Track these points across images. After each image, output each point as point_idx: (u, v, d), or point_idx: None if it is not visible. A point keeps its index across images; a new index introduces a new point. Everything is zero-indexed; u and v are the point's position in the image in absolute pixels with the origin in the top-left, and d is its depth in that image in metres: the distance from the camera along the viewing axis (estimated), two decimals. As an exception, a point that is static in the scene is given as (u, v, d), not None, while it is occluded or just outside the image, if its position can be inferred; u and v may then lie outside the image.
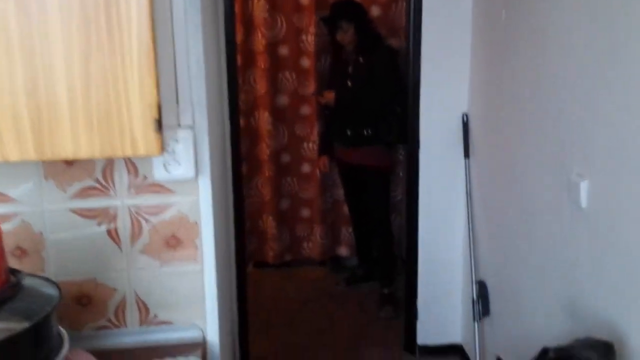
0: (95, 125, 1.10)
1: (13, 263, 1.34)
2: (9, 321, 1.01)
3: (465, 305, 3.12)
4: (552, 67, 2.09)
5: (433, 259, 3.15)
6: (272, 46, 4.10)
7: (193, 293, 1.54)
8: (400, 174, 4.20)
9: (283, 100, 4.20)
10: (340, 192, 4.28)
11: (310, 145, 4.25)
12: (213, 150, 1.73)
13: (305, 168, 4.29)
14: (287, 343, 3.37)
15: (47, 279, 1.16)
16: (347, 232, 4.35)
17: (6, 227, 1.44)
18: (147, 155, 1.17)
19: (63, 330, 1.12)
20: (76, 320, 1.51)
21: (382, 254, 3.90)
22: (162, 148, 1.17)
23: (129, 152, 1.15)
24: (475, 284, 2.83)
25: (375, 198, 3.81)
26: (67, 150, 1.11)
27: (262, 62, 4.09)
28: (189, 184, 1.50)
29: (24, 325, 1.00)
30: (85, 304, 1.51)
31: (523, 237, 2.38)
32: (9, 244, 1.43)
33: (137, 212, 1.49)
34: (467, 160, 2.99)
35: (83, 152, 1.11)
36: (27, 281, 1.12)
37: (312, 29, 4.11)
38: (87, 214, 1.47)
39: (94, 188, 1.47)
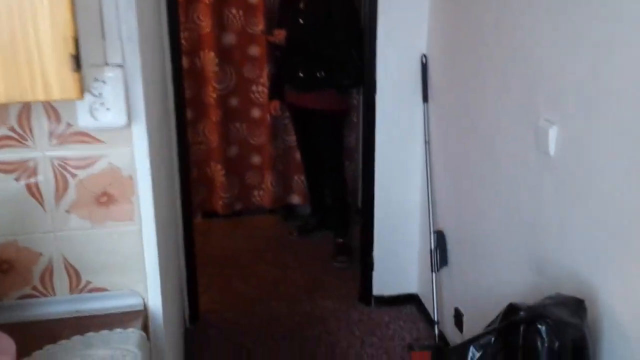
0: (-5, 62, 0.90)
1: None
2: None
3: (422, 256, 3.04)
4: (518, 2, 1.94)
5: (389, 207, 3.04)
6: (216, -21, 3.82)
7: (130, 256, 1.36)
8: (354, 119, 4.05)
9: (230, 38, 3.94)
10: (291, 138, 4.10)
11: (260, 88, 4.02)
12: (149, 93, 1.53)
13: (255, 112, 4.08)
14: (238, 295, 3.25)
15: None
16: (299, 179, 4.19)
17: None
18: (64, 99, 0.97)
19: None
20: (-5, 290, 1.33)
21: (336, 202, 3.77)
22: (83, 90, 0.97)
23: (40, 96, 0.95)
24: (434, 233, 2.73)
25: (328, 144, 3.65)
26: (-39, 92, 0.90)
27: (206, -3, 3.80)
28: (120, 133, 1.30)
29: None
30: (5, 270, 1.32)
31: (485, 185, 2.28)
32: None
33: (60, 165, 1.29)
34: (425, 105, 2.85)
35: (-19, 95, 0.91)
36: None
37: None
38: (2, 168, 1.27)
39: (9, 137, 1.26)
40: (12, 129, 1.25)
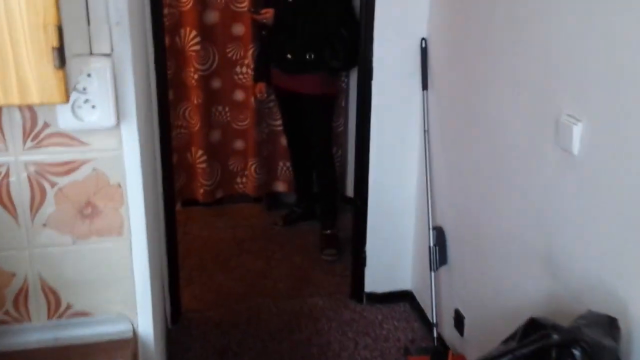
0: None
1: None
2: None
3: (417, 251, 2.90)
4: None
5: (383, 200, 2.88)
6: (197, -49, 3.57)
7: (118, 275, 1.18)
8: (343, 103, 3.87)
9: (212, 16, 3.70)
10: (277, 122, 3.90)
11: (244, 69, 3.80)
12: (139, 84, 1.33)
13: (239, 95, 3.85)
14: (221, 291, 3.07)
15: None
16: (284, 166, 4.00)
17: None
18: (45, 103, 0.78)
19: None
20: (-41, 317, 1.14)
21: (324, 190, 3.61)
22: (68, 92, 0.79)
23: (14, 99, 0.76)
24: (433, 230, 2.58)
25: (317, 129, 3.47)
26: None
27: (187, -29, 3.56)
28: (108, 134, 1.11)
29: None
30: (-29, 292, 1.13)
31: (492, 181, 2.13)
32: None
33: (37, 172, 1.09)
34: (425, 92, 2.68)
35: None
36: None
37: None
38: (-35, 175, 1.07)
39: (-25, 139, 1.06)
40: (-21, 129, 1.06)
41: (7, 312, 1.15)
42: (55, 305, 1.17)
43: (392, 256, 2.95)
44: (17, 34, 0.73)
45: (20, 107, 1.05)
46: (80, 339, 1.17)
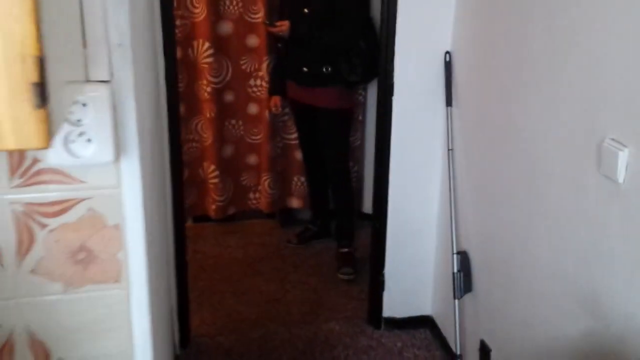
0: None
1: None
2: None
3: (439, 275, 2.75)
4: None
5: (404, 220, 2.74)
6: (212, -38, 3.46)
7: (115, 327, 1.05)
8: (360, 117, 3.74)
9: (226, 27, 3.59)
10: (291, 136, 3.77)
11: (259, 82, 3.68)
12: (144, 105, 1.21)
13: (253, 108, 3.73)
14: (232, 315, 2.93)
15: None
16: (299, 181, 3.86)
17: None
18: (22, 149, 0.65)
19: None
20: None
21: (340, 207, 3.47)
22: (50, 134, 0.66)
23: (-17, 146, 0.63)
24: (456, 254, 2.43)
25: (333, 143, 3.34)
26: None
27: (201, -19, 3.44)
28: (105, 170, 0.98)
29: None
30: (-49, 345, 1.01)
31: (525, 208, 1.98)
32: None
33: (25, 213, 0.97)
34: (449, 109, 2.54)
35: None
36: None
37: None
38: (-57, 216, 0.95)
39: (-45, 176, 0.94)
40: (-40, 165, 0.93)
41: (-9, 369, 1.03)
42: (44, 361, 1.04)
43: (412, 280, 2.81)
44: (-13, 67, 0.60)
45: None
46: (73, 399, 1.04)
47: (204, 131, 3.65)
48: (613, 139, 1.51)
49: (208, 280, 3.22)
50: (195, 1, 3.44)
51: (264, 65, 3.62)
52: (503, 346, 2.18)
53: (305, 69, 3.18)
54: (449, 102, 2.54)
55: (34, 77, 0.62)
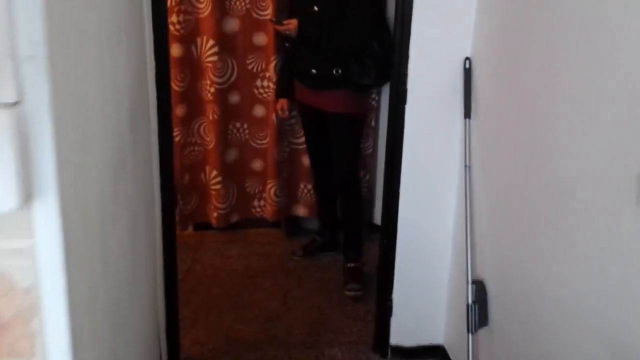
0: None
1: None
2: None
3: (451, 303, 2.51)
4: None
5: (414, 241, 2.50)
6: (218, -45, 3.24)
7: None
8: (372, 123, 3.50)
9: (232, 24, 3.37)
10: (299, 140, 3.55)
11: (266, 83, 3.46)
12: (82, 132, 0.99)
13: (259, 111, 3.52)
14: (229, 336, 2.71)
15: None
16: (306, 188, 3.64)
17: None
18: None
19: None
20: None
21: (348, 219, 3.25)
22: None
23: None
24: (472, 284, 2.19)
25: (342, 150, 3.11)
26: None
27: (205, -25, 3.23)
28: (11, 219, 0.77)
29: None
30: None
31: (549, 238, 1.74)
32: None
33: None
34: (467, 121, 2.30)
35: None
36: None
37: None
38: None
39: None
40: None
41: None
42: None
43: (422, 306, 2.57)
44: None
45: None
46: None
47: (207, 134, 3.45)
48: (656, 170, 1.27)
49: (205, 294, 3.02)
50: (199, -5, 3.23)
51: (272, 66, 3.40)
52: (521, 389, 1.94)
53: (313, 71, 2.96)
54: (467, 113, 2.29)
55: None
